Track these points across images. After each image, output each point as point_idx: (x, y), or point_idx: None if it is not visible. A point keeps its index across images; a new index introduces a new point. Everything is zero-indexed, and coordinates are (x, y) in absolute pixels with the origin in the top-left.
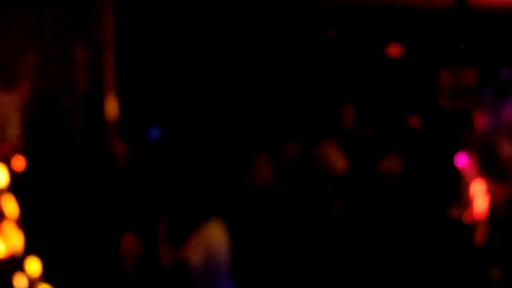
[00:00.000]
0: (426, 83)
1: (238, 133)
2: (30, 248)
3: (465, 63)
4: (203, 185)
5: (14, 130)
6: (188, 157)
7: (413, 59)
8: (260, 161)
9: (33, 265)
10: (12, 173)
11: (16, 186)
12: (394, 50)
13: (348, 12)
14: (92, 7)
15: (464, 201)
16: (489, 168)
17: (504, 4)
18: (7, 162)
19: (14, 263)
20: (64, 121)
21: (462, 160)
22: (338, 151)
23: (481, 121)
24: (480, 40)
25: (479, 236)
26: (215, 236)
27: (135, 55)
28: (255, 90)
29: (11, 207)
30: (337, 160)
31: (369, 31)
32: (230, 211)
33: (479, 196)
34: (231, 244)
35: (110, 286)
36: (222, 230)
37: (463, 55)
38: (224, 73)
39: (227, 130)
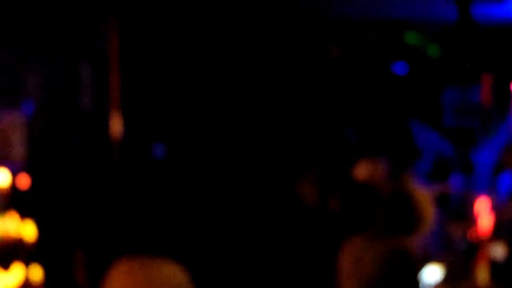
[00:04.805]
0: (431, 101)
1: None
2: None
3: (471, 81)
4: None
5: (19, 148)
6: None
7: (418, 77)
8: (307, 180)
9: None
10: (17, 191)
11: (21, 204)
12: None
13: (351, 29)
14: (97, 26)
15: (469, 218)
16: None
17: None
18: (12, 180)
19: None
20: (68, 139)
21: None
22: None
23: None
24: (485, 56)
25: (484, 253)
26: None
27: (140, 73)
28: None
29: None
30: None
31: (373, 48)
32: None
33: (484, 214)
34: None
35: None
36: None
37: (468, 72)
38: (230, 91)
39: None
